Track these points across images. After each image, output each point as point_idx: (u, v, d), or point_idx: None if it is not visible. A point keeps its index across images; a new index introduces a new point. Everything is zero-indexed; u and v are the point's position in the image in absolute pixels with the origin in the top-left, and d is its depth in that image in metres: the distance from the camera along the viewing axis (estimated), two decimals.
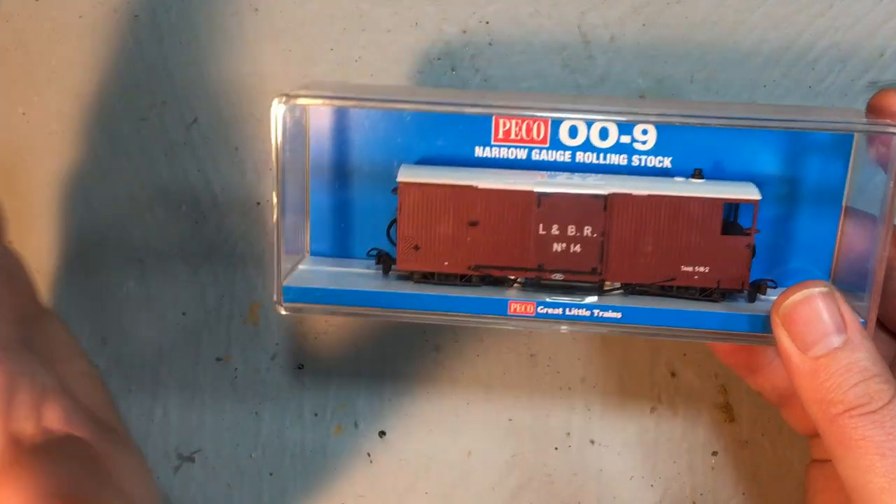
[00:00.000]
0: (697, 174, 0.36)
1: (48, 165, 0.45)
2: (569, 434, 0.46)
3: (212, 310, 0.46)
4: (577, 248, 0.36)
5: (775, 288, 0.37)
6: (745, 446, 0.45)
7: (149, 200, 0.46)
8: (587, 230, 0.35)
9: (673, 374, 0.45)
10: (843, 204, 0.37)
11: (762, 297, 0.37)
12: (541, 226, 0.36)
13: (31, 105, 0.45)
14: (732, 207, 0.36)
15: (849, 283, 0.36)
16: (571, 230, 0.36)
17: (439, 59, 0.43)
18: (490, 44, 0.43)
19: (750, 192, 0.35)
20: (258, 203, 0.45)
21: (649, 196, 0.35)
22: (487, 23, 0.42)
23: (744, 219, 0.36)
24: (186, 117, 0.45)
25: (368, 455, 0.47)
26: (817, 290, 0.32)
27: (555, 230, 0.36)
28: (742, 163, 0.37)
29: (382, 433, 0.46)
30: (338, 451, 0.47)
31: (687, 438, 0.45)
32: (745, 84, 0.42)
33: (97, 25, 0.44)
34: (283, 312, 0.36)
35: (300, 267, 0.38)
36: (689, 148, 0.37)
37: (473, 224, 0.36)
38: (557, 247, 0.36)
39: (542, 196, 0.35)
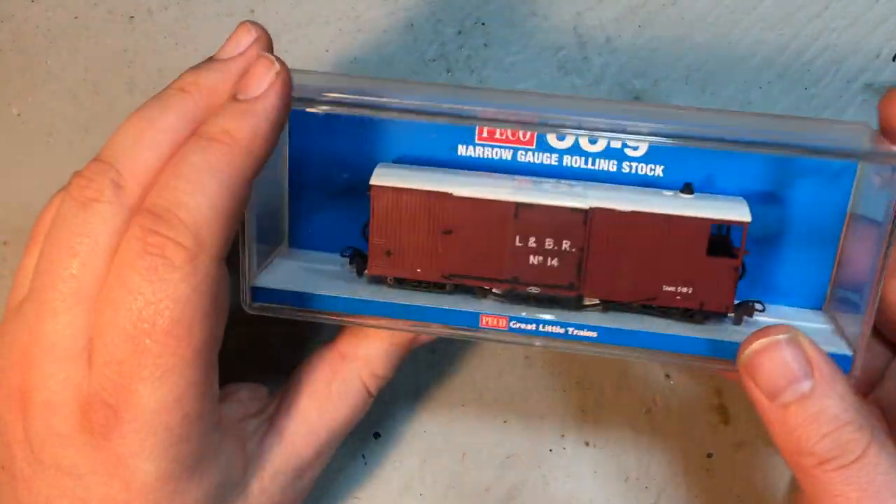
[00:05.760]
0: (687, 189, 0.34)
1: (44, 167, 0.45)
2: (563, 436, 0.46)
3: None
4: (554, 262, 0.34)
5: (763, 311, 0.35)
6: (739, 448, 0.45)
7: None
8: (565, 244, 0.34)
9: (668, 376, 0.45)
10: (847, 213, 0.34)
11: (749, 319, 0.35)
12: (517, 238, 0.34)
13: (26, 106, 0.45)
14: (723, 225, 0.34)
15: (847, 298, 0.34)
16: (549, 243, 0.34)
17: (434, 60, 0.43)
18: (486, 45, 0.43)
19: (740, 214, 0.33)
20: None
21: (633, 212, 0.33)
22: (483, 24, 0.42)
23: (736, 235, 0.34)
24: None
25: (363, 457, 0.47)
26: (780, 336, 0.31)
27: (531, 242, 0.34)
28: (737, 175, 0.35)
29: (377, 435, 0.46)
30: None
31: (682, 440, 0.45)
32: (741, 85, 0.42)
33: (93, 26, 0.44)
34: (251, 312, 0.35)
35: (276, 261, 0.37)
36: (682, 156, 0.35)
37: (447, 232, 0.34)
38: (534, 259, 0.34)
39: (519, 207, 0.33)
